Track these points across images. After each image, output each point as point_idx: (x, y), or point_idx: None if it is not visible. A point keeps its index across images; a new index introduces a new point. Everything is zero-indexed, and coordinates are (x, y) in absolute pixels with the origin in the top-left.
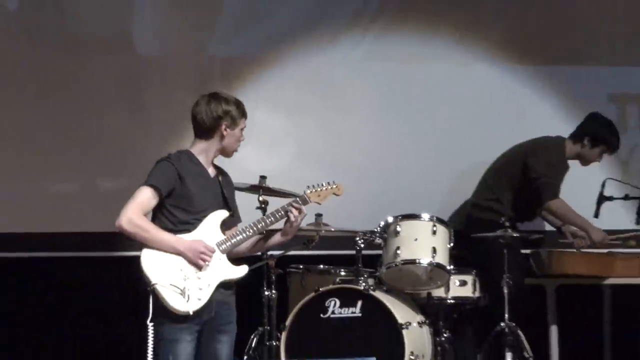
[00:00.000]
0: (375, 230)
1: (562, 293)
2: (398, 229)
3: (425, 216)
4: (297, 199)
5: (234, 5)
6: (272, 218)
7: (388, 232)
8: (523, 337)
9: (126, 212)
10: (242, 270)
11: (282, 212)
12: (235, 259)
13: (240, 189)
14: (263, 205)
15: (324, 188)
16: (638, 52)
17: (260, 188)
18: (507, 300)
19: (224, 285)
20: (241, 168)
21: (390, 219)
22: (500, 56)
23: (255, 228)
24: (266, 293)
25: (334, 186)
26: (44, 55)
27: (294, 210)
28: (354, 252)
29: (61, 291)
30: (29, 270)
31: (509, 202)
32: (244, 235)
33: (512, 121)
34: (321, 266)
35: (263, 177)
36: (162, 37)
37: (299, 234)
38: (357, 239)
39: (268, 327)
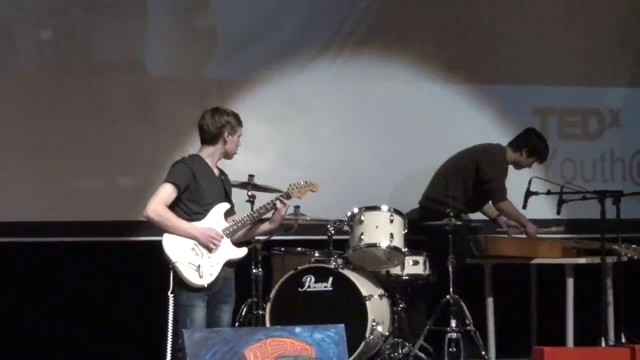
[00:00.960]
0: (344, 219)
1: (497, 271)
2: (362, 218)
3: (385, 207)
4: (283, 194)
5: (227, 36)
6: (263, 209)
7: (354, 220)
8: (465, 308)
9: (152, 204)
10: (243, 251)
11: (271, 205)
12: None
13: (232, 186)
14: (251, 199)
15: (303, 186)
16: (557, 73)
17: (249, 185)
18: (452, 277)
19: (227, 264)
20: (233, 168)
21: (355, 210)
22: (444, 77)
23: (251, 217)
24: (254, 271)
25: (311, 185)
26: (72, 76)
27: (280, 203)
28: (326, 237)
29: (89, 268)
30: (59, 252)
31: (460, 196)
32: (242, 223)
33: (456, 130)
34: (299, 249)
35: (251, 176)
36: (169, 61)
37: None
38: (329, 226)
39: (255, 299)
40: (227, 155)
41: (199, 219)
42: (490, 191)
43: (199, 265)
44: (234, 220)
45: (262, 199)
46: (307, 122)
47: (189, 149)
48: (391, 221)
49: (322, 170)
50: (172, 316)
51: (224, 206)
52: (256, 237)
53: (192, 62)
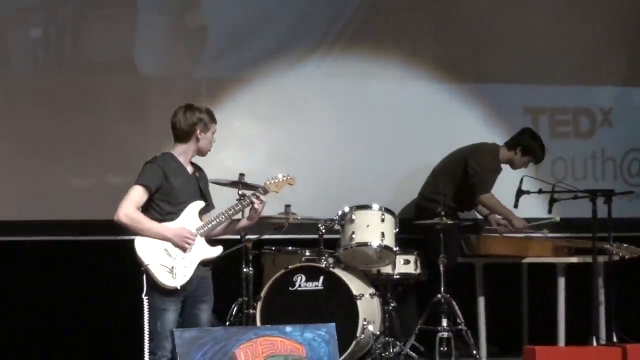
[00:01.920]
0: (335, 218)
1: (488, 270)
2: (353, 217)
3: (376, 206)
4: (260, 189)
5: (218, 36)
6: (240, 205)
7: (345, 219)
8: (456, 307)
9: (122, 208)
10: (218, 250)
11: (248, 201)
12: (211, 241)
13: (223, 184)
14: (242, 198)
15: (280, 179)
16: (547, 72)
17: (239, 183)
18: (443, 276)
19: (202, 263)
20: (223, 167)
21: (346, 209)
22: (435, 75)
23: (226, 215)
24: (244, 270)
25: (288, 177)
26: (63, 75)
27: (256, 199)
28: (317, 236)
29: (79, 268)
30: (47, 252)
31: (451, 194)
32: (218, 221)
33: (446, 129)
34: (290, 248)
35: (242, 175)
36: (159, 60)
37: (271, 221)
38: (320, 225)
39: (246, 298)
40: (201, 153)
41: (173, 219)
42: (473, 184)
43: (172, 267)
44: (209, 219)
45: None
46: (297, 120)
47: None
48: (382, 220)
49: (313, 168)
50: (147, 319)
51: (199, 204)
52: (246, 236)
53: (182, 61)
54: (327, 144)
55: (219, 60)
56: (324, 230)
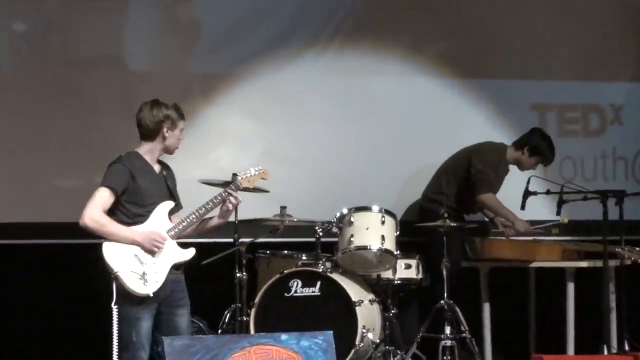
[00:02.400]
0: (332, 220)
1: (494, 275)
2: (352, 219)
3: (375, 208)
4: (231, 185)
5: (211, 30)
6: (211, 204)
7: (343, 222)
8: (460, 313)
9: (88, 211)
10: (190, 252)
11: (219, 198)
12: (183, 243)
13: (216, 185)
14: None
15: (253, 174)
16: (556, 67)
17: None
18: (446, 281)
19: (175, 267)
20: (216, 166)
21: (345, 211)
22: (438, 71)
23: (197, 214)
24: (238, 275)
25: (261, 171)
26: (49, 70)
27: (227, 196)
28: (314, 239)
29: (66, 272)
30: (35, 255)
31: (454, 195)
32: (189, 221)
33: (449, 127)
34: (285, 251)
35: (235, 175)
36: (150, 55)
37: (266, 223)
38: (317, 228)
39: (239, 305)
40: (168, 151)
41: (142, 222)
42: (473, 183)
43: (143, 273)
44: (179, 220)
45: (247, 198)
46: (294, 118)
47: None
48: (382, 222)
49: (309, 168)
50: (116, 329)
51: (168, 205)
52: (240, 240)
53: (175, 56)
54: (326, 142)
55: (213, 55)
56: (321, 233)
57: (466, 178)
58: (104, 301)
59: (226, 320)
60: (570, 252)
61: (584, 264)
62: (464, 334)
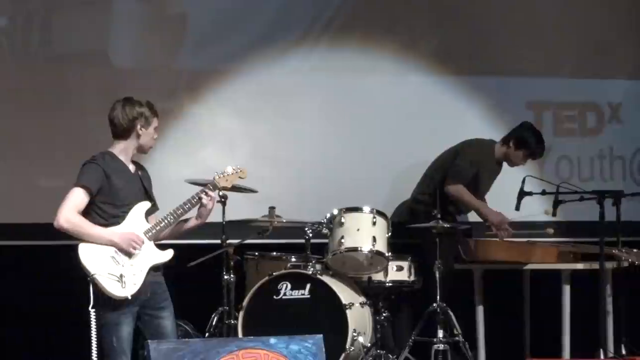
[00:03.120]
0: (322, 221)
1: (488, 277)
2: (342, 220)
3: (367, 209)
4: (208, 184)
5: (198, 25)
6: (188, 204)
7: (334, 223)
8: (453, 316)
9: (62, 212)
10: (168, 254)
11: (197, 199)
12: (160, 244)
13: (203, 185)
14: (222, 200)
15: (230, 173)
16: (552, 64)
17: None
18: (439, 283)
19: (153, 268)
20: (203, 166)
21: (335, 212)
22: (432, 68)
23: (175, 215)
24: (225, 277)
25: (239, 171)
26: (31, 67)
27: (205, 196)
28: (303, 240)
29: (47, 275)
30: (15, 257)
31: (442, 196)
32: (166, 222)
33: (443, 126)
34: (274, 253)
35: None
36: (136, 51)
37: (254, 224)
38: (306, 229)
39: (227, 308)
40: (142, 150)
41: (118, 223)
42: (447, 173)
43: (121, 275)
44: (156, 221)
45: (235, 199)
46: (283, 116)
47: (157, 145)
48: (374, 223)
49: (299, 167)
50: (95, 333)
51: (144, 205)
52: (228, 241)
53: (161, 52)
54: (315, 141)
55: (200, 51)
56: (311, 235)
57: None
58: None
59: (214, 323)
60: (566, 253)
61: (580, 266)
62: (457, 338)
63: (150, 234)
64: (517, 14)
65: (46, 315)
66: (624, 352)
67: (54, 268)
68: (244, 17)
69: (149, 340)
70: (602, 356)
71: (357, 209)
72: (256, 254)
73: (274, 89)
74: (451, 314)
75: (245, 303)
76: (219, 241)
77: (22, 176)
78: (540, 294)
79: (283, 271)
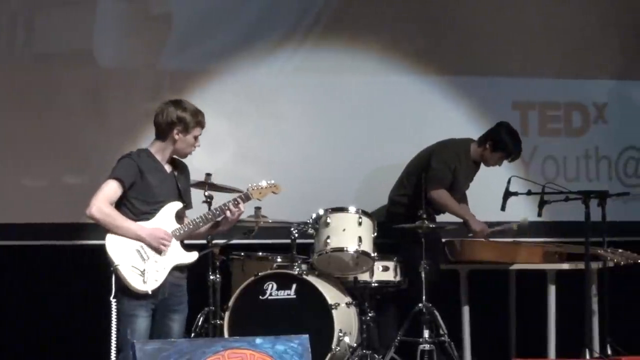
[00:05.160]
0: (308, 221)
1: (474, 277)
2: (328, 220)
3: (352, 209)
4: (242, 195)
5: (181, 26)
6: (219, 211)
7: (319, 223)
8: (439, 316)
9: (95, 202)
10: (193, 255)
11: (227, 206)
12: (187, 246)
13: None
14: (208, 200)
15: (265, 187)
16: (538, 64)
17: (205, 184)
18: (425, 284)
19: (177, 269)
20: (189, 166)
21: (321, 212)
22: (417, 68)
23: (204, 219)
24: (211, 277)
25: (273, 186)
26: (15, 67)
27: (233, 207)
28: (289, 241)
29: (30, 276)
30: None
31: (418, 196)
32: (195, 225)
33: (429, 126)
34: (260, 253)
35: (208, 175)
36: (120, 51)
37: (240, 224)
38: (292, 229)
39: (213, 308)
40: (179, 154)
41: (147, 219)
42: (425, 180)
43: (144, 270)
44: (185, 222)
45: (220, 199)
46: (267, 117)
47: (141, 145)
48: (359, 224)
49: (284, 168)
50: (115, 324)
51: (176, 205)
52: (214, 241)
53: (145, 51)
54: (300, 141)
55: (185, 51)
56: (296, 235)
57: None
58: (76, 305)
59: (199, 323)
60: (552, 254)
61: (565, 266)
62: (442, 338)
63: (178, 233)
64: (502, 14)
65: (45, 315)
66: (609, 351)
67: (45, 268)
68: (228, 18)
69: (135, 341)
70: (587, 356)
71: (343, 209)
72: (242, 254)
73: (258, 89)
74: (437, 313)
75: (231, 303)
76: (204, 241)
77: (7, 176)
78: (525, 294)
79: (269, 271)
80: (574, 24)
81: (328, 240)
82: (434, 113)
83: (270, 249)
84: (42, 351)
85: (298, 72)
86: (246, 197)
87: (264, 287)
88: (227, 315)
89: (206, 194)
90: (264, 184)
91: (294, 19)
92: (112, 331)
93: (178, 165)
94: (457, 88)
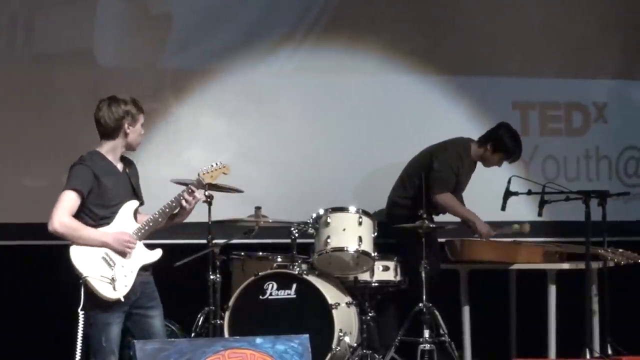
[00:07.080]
0: (308, 221)
1: (474, 277)
2: (328, 220)
3: (353, 209)
4: (193, 182)
5: (182, 25)
6: (175, 202)
7: (319, 222)
8: (439, 316)
9: (56, 216)
10: (157, 253)
11: (181, 196)
12: (150, 244)
13: (189, 185)
14: (209, 200)
15: (215, 169)
16: (538, 64)
17: (205, 184)
18: (425, 283)
19: (143, 268)
20: (189, 166)
21: (321, 211)
22: (417, 68)
23: (163, 213)
24: (211, 277)
25: (222, 166)
26: (15, 67)
27: (187, 196)
28: (289, 240)
29: (30, 276)
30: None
31: (418, 197)
32: (155, 221)
33: (429, 126)
34: (260, 253)
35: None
36: (119, 51)
37: (240, 224)
38: (292, 229)
39: (213, 308)
40: (130, 147)
41: (107, 224)
42: (430, 182)
43: (112, 277)
44: (145, 220)
45: (220, 199)
46: (268, 116)
47: (142, 145)
48: (360, 223)
49: (285, 168)
50: (81, 335)
51: (133, 204)
52: (214, 241)
53: (145, 51)
54: (301, 141)
55: (185, 51)
56: (297, 234)
57: (428, 178)
58: (73, 305)
59: (199, 323)
60: (552, 253)
61: (565, 266)
62: (443, 338)
63: (140, 233)
64: (502, 14)
65: (42, 315)
66: (609, 351)
67: (45, 268)
68: (228, 17)
69: (135, 340)
70: (587, 356)
71: (343, 209)
72: (242, 253)
73: (259, 88)
74: (437, 313)
75: (231, 303)
76: (204, 241)
77: (7, 176)
78: (525, 294)
79: (269, 271)
80: (574, 24)
81: (328, 240)
82: (434, 113)
83: (270, 249)
84: (42, 351)
85: (298, 72)
86: (199, 183)
87: (264, 287)
88: (227, 315)
89: (206, 194)
90: (213, 165)
91: (294, 18)
92: (78, 342)
93: (126, 163)
94: (457, 88)
